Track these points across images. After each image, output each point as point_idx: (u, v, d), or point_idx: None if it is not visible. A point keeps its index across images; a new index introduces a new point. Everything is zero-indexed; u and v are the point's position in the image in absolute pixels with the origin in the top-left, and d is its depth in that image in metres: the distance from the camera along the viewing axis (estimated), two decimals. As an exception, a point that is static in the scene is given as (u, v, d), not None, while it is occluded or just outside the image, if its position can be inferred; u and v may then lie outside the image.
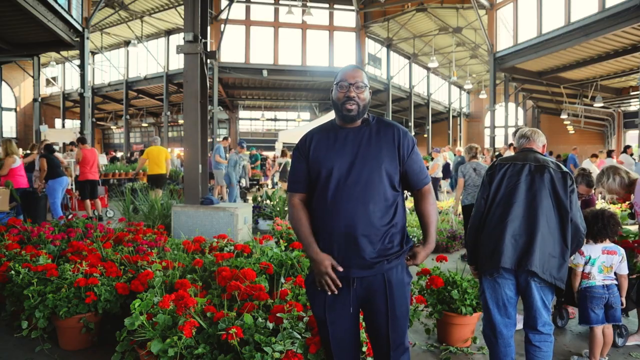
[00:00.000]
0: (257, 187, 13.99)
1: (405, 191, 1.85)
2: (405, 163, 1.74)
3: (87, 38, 12.90)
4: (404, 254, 1.76)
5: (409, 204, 7.33)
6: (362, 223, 1.66)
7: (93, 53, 22.38)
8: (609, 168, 3.13)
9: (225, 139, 11.46)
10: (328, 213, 1.68)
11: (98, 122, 28.01)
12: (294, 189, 1.81)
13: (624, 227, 3.89)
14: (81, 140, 8.43)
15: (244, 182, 10.47)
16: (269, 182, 14.04)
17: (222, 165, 10.25)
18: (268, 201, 8.05)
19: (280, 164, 11.77)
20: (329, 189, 1.69)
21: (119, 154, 20.56)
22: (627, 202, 3.28)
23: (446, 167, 12.56)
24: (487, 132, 26.39)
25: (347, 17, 20.98)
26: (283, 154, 12.11)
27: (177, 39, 20.28)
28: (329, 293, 1.69)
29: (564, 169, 2.30)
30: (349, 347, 1.79)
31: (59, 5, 11.09)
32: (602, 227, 2.73)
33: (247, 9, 20.28)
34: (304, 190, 1.79)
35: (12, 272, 3.15)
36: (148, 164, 9.10)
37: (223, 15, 17.53)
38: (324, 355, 1.99)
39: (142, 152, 12.83)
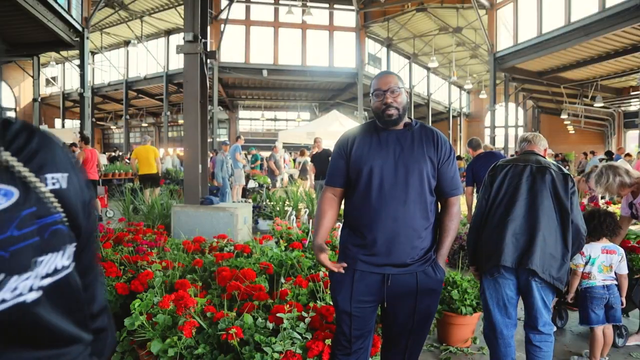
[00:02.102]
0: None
1: None
2: (439, 168, 1.78)
3: (87, 38, 12.90)
4: (434, 254, 1.82)
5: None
6: (403, 224, 1.70)
7: (93, 53, 22.37)
8: (608, 168, 3.03)
9: (239, 137, 11.45)
10: (369, 212, 1.72)
11: (98, 122, 28.00)
12: (331, 183, 1.89)
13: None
14: (85, 140, 8.43)
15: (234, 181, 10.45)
16: (278, 183, 13.93)
17: (241, 164, 10.45)
18: (268, 201, 8.05)
19: (299, 163, 11.86)
20: (372, 189, 1.73)
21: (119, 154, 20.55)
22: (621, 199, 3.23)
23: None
24: (487, 132, 26.39)
25: (347, 17, 20.97)
26: (302, 154, 12.17)
27: (177, 39, 20.26)
28: (337, 270, 1.75)
29: (565, 171, 2.31)
30: (367, 340, 1.82)
31: (59, 5, 11.09)
32: (597, 224, 2.72)
33: (247, 9, 20.27)
34: (342, 185, 1.87)
35: (12, 272, 3.14)
36: (138, 164, 9.12)
37: (223, 15, 17.54)
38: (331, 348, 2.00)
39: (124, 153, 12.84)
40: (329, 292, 2.31)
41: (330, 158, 1.95)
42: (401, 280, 1.73)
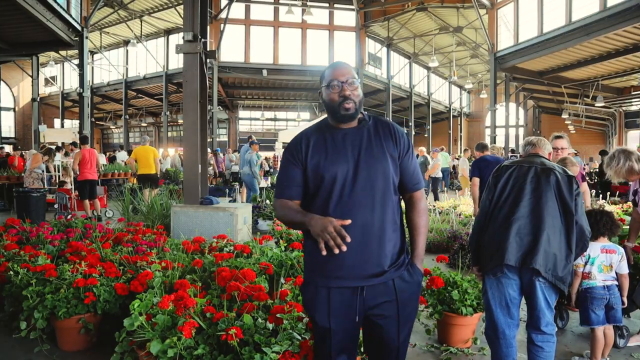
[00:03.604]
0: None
1: None
2: (400, 163, 1.68)
3: (86, 37, 12.89)
4: (408, 255, 1.73)
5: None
6: (373, 231, 1.59)
7: (92, 52, 22.36)
8: (621, 152, 3.01)
9: (250, 137, 11.38)
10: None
11: (97, 122, 27.99)
12: (286, 195, 1.67)
13: (625, 226, 3.87)
14: (83, 140, 8.41)
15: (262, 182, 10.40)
16: None
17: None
18: (268, 201, 8.04)
19: None
20: (334, 198, 1.59)
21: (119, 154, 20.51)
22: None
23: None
24: (487, 132, 26.37)
25: (347, 16, 20.96)
26: None
27: (177, 39, 20.24)
28: (337, 250, 1.46)
29: (570, 172, 2.31)
30: (348, 355, 1.73)
31: (58, 4, 11.08)
32: (594, 223, 2.71)
33: (247, 9, 20.26)
34: (299, 197, 1.68)
35: (11, 272, 3.14)
36: (137, 165, 9.11)
37: (223, 15, 17.51)
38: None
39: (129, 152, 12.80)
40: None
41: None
42: (378, 290, 1.62)
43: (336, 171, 1.60)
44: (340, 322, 1.65)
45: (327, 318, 1.63)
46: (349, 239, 1.46)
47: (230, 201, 6.25)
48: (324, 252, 1.49)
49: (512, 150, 15.91)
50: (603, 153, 12.46)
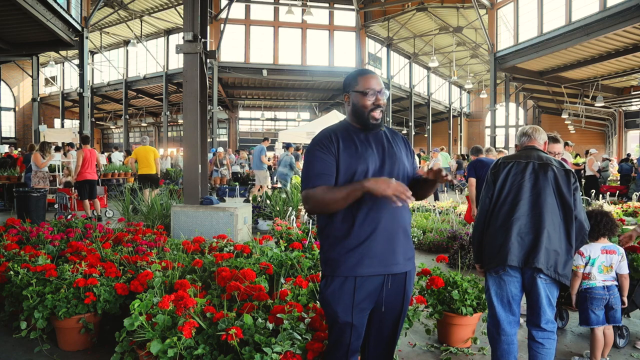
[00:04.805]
0: None
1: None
2: (412, 162, 1.90)
3: (86, 37, 12.90)
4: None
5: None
6: (399, 222, 1.73)
7: (92, 53, 22.36)
8: None
9: (265, 139, 11.32)
10: (367, 214, 1.67)
11: (97, 122, 27.99)
12: (326, 182, 1.65)
13: (625, 226, 3.88)
14: (84, 140, 8.41)
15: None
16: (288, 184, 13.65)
17: (265, 166, 10.43)
18: (268, 201, 8.04)
19: None
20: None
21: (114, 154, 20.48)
22: None
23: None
24: (487, 132, 26.37)
25: (347, 16, 20.96)
26: None
27: (177, 39, 20.24)
28: (399, 202, 1.54)
29: (567, 167, 2.31)
30: (359, 346, 1.79)
31: (58, 4, 11.08)
32: (594, 224, 2.71)
33: (247, 9, 20.26)
34: (332, 184, 1.68)
35: (11, 272, 3.14)
36: (137, 165, 9.11)
37: (223, 15, 17.52)
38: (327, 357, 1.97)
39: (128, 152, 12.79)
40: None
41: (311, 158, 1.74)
42: (398, 279, 1.74)
43: (367, 165, 1.69)
44: (361, 316, 1.71)
45: (350, 312, 1.67)
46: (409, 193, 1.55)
47: (244, 201, 6.27)
48: (399, 204, 1.56)
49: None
50: (589, 153, 12.75)
